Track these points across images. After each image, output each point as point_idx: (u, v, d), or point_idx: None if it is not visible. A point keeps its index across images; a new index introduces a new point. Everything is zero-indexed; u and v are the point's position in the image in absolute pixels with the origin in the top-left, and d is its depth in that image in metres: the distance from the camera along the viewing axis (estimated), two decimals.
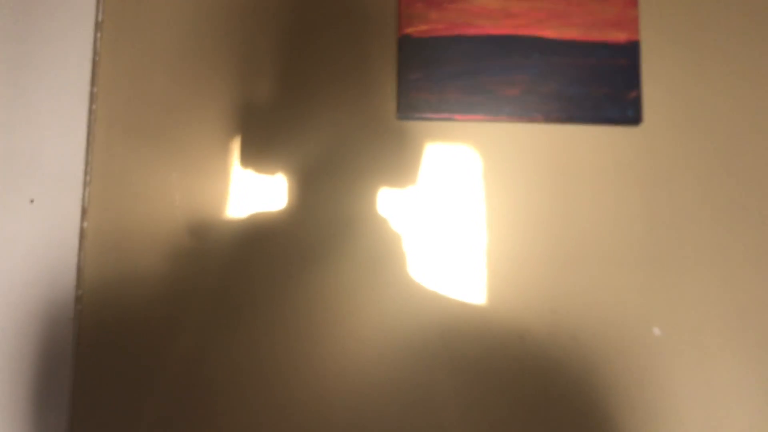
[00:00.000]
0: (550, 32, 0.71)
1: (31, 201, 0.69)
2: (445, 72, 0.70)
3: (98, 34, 0.72)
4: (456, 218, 0.70)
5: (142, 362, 0.68)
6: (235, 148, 0.71)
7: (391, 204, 0.70)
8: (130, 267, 0.69)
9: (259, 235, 0.70)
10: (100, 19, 0.72)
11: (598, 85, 0.71)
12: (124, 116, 0.71)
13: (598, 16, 0.72)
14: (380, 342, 0.68)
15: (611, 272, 0.69)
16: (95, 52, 0.71)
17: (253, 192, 0.70)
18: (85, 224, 0.70)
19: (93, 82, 0.71)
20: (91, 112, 0.71)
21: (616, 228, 0.70)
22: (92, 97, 0.71)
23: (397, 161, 0.71)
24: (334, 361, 0.68)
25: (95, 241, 0.70)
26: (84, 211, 0.70)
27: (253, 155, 0.71)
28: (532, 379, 0.68)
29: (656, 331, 0.68)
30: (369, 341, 0.68)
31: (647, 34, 0.73)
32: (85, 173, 0.70)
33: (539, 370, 0.68)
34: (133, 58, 0.72)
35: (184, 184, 0.70)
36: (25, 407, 0.66)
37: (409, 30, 0.71)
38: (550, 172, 0.71)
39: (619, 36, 0.71)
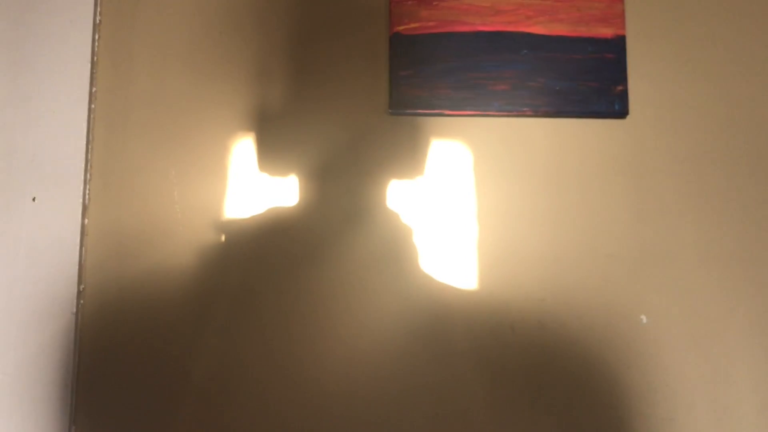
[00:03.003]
0: (538, 28, 0.73)
1: (33, 199, 0.70)
2: (436, 68, 0.72)
3: (96, 36, 0.74)
4: (447, 211, 0.72)
5: (142, 355, 0.69)
6: (233, 145, 0.73)
7: (382, 198, 0.72)
8: (131, 262, 0.71)
9: (257, 232, 0.71)
10: (98, 20, 0.74)
11: (586, 79, 0.72)
12: (122, 115, 0.73)
13: (585, 12, 0.73)
14: (371, 335, 0.70)
15: (600, 262, 0.71)
16: (94, 53, 0.73)
17: (250, 188, 0.72)
18: (86, 221, 0.71)
19: (92, 82, 0.73)
20: (90, 111, 0.72)
21: (604, 219, 0.71)
22: (91, 97, 0.73)
23: (389, 156, 0.72)
24: (328, 359, 0.70)
25: (96, 237, 0.71)
26: (85, 208, 0.71)
27: (249, 152, 0.72)
28: (523, 368, 0.69)
29: (643, 318, 0.70)
30: (362, 336, 0.70)
31: (633, 29, 0.74)
32: (86, 171, 0.71)
33: (530, 359, 0.69)
34: (130, 59, 0.74)
35: (182, 181, 0.72)
36: (28, 400, 0.68)
37: (400, 28, 0.72)
38: (539, 166, 0.72)
39: (606, 31, 0.73)
